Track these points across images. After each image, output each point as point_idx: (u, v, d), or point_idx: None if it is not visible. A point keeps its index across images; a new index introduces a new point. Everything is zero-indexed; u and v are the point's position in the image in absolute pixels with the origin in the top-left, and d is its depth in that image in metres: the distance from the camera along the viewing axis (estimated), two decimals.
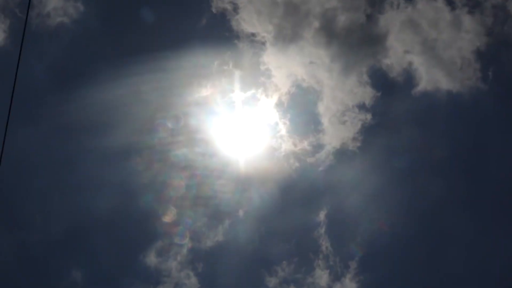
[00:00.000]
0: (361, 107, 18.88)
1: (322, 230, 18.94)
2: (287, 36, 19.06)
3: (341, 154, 18.90)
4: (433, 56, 18.50)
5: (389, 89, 18.81)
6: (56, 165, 19.37)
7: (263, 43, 19.27)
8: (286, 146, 19.64)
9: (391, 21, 18.62)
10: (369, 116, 18.44)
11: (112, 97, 18.51)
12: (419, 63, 18.80)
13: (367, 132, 18.54)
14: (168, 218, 18.78)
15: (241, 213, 19.23)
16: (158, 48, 19.36)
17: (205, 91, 19.54)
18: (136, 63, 18.88)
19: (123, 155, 19.20)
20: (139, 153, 18.77)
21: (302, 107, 19.45)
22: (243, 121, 19.85)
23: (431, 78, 18.54)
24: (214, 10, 19.79)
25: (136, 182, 19.05)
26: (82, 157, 19.06)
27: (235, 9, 19.66)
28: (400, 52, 18.63)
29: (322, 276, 18.84)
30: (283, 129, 19.71)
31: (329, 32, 18.93)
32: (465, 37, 18.40)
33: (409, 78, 18.59)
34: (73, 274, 18.05)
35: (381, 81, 18.77)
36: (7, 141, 7.94)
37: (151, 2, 20.71)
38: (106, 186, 19.09)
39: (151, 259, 18.57)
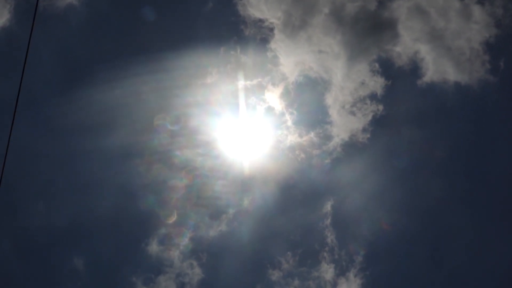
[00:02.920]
0: (370, 98, 18.58)
1: (328, 222, 18.61)
2: (296, 23, 18.60)
3: (349, 146, 18.56)
4: (442, 46, 18.29)
5: (398, 79, 18.53)
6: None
7: (271, 30, 18.79)
8: (292, 137, 19.21)
9: (401, 8, 18.32)
10: (379, 107, 18.14)
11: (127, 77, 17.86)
12: (427, 52, 18.56)
13: (377, 124, 18.24)
14: (180, 189, 18.25)
15: (245, 203, 18.76)
16: (163, 33, 18.76)
17: (210, 78, 18.99)
18: (142, 47, 18.27)
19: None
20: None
21: (309, 97, 19.03)
22: (248, 111, 19.35)
23: (439, 69, 18.33)
24: None
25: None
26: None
27: None
28: (410, 41, 18.36)
29: (328, 270, 18.51)
30: (289, 120, 19.27)
31: (338, 19, 18.55)
32: (474, 27, 18.22)
33: (419, 68, 18.35)
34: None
35: (390, 70, 18.49)
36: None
37: None
38: (108, 185, 18.58)
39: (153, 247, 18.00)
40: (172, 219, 18.76)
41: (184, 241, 18.49)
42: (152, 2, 19.91)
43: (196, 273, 18.32)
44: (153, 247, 18.27)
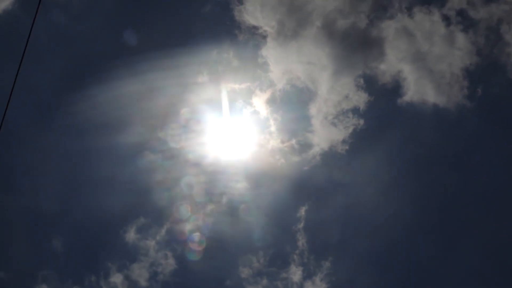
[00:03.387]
0: (353, 111, 19.34)
1: (300, 226, 19.36)
2: (288, 33, 19.38)
3: (328, 156, 19.32)
4: (425, 68, 19.10)
5: (380, 96, 19.32)
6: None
7: (264, 37, 19.54)
8: (274, 142, 19.96)
9: (388, 29, 19.13)
10: (361, 121, 18.91)
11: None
12: (409, 72, 19.37)
13: (357, 137, 19.03)
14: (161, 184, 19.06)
15: (223, 200, 19.48)
16: (159, 31, 19.44)
17: (201, 78, 19.71)
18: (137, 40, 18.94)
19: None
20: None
21: (294, 105, 19.79)
22: (235, 113, 20.08)
23: (420, 90, 19.14)
24: None
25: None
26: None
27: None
28: (395, 60, 19.16)
29: (296, 272, 19.26)
30: (273, 125, 20.02)
31: (329, 33, 19.33)
32: (456, 53, 19.05)
33: (401, 87, 19.16)
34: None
35: (374, 87, 19.28)
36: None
37: None
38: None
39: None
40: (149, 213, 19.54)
41: (161, 233, 19.23)
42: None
43: (169, 263, 19.05)
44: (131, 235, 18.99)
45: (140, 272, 18.97)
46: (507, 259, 17.57)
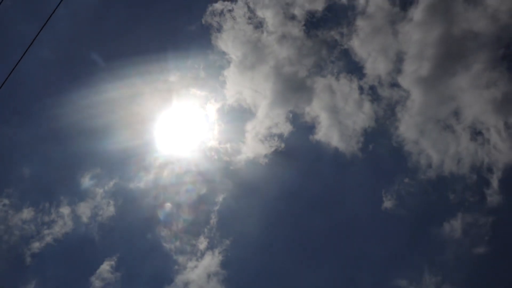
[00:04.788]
0: (278, 136, 25.66)
1: (216, 208, 25.35)
2: (248, 63, 25.57)
3: (251, 163, 25.46)
4: (336, 119, 25.64)
5: (300, 129, 25.72)
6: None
7: (229, 62, 25.63)
8: (214, 142, 26.00)
9: (322, 83, 25.64)
10: (282, 144, 25.23)
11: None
12: (325, 118, 25.84)
13: (277, 156, 25.30)
14: None
15: (164, 182, 25.26)
16: (146, 41, 25.17)
17: (173, 78, 25.54)
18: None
19: None
20: None
21: (236, 119, 25.94)
22: (189, 112, 26.06)
23: (329, 133, 25.63)
24: (203, 21, 25.86)
25: None
26: None
27: (219, 28, 25.87)
28: (317, 107, 25.65)
29: (203, 242, 25.18)
30: (216, 129, 26.08)
31: (277, 73, 25.63)
32: (361, 116, 25.70)
33: (315, 127, 25.59)
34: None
35: (297, 121, 25.68)
36: None
37: None
38: None
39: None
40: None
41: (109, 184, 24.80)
42: (148, 11, 26.23)
43: (110, 210, 24.57)
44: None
45: (84, 210, 24.37)
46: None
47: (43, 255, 24.31)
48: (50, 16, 8.39)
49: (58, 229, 24.27)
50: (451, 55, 23.77)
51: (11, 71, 8.20)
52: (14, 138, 24.34)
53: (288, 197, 24.76)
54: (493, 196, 22.86)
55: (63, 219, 24.27)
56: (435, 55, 23.83)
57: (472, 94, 23.35)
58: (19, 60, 8.15)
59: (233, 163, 25.81)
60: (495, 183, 22.82)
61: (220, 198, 25.36)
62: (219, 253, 25.06)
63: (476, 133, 23.33)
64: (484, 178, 22.88)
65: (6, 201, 23.89)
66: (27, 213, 24.32)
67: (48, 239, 24.15)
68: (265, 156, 25.64)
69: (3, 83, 8.08)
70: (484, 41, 23.16)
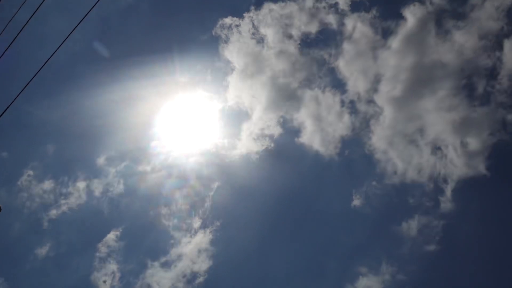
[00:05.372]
0: (269, 136, 29.84)
1: (211, 194, 29.48)
2: (249, 72, 29.79)
3: (244, 158, 29.62)
4: (319, 126, 29.84)
5: (288, 132, 29.91)
6: None
7: (232, 69, 29.83)
8: (213, 136, 30.22)
9: (310, 95, 29.86)
10: (272, 144, 29.43)
11: None
12: (310, 124, 30.04)
13: (266, 153, 29.50)
14: None
15: (166, 162, 29.43)
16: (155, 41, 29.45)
17: (182, 80, 29.73)
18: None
19: None
20: None
21: (234, 119, 30.15)
22: (196, 109, 30.28)
23: (311, 137, 29.80)
24: (213, 33, 30.03)
25: None
26: None
27: (227, 40, 30.03)
28: (304, 113, 29.87)
29: (197, 221, 29.30)
30: (216, 126, 30.28)
31: (273, 83, 29.84)
32: (339, 125, 29.90)
33: (301, 131, 29.78)
34: None
35: (287, 125, 29.89)
36: None
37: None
38: None
39: None
40: None
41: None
42: (168, 20, 30.40)
43: (119, 187, 28.74)
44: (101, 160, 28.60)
45: (97, 186, 28.48)
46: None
47: (59, 221, 28.49)
48: (88, 13, 8.89)
49: (74, 200, 28.45)
50: (420, 81, 28.08)
51: (46, 62, 9.15)
52: (43, 118, 28.51)
53: (273, 189, 28.95)
54: (446, 203, 27.10)
55: (79, 192, 28.46)
56: (407, 79, 28.14)
57: (436, 115, 27.67)
58: (53, 54, 9.12)
59: (229, 157, 30.04)
60: (448, 192, 27.06)
61: (215, 185, 29.56)
62: (210, 232, 29.21)
63: (436, 149, 27.62)
64: (440, 187, 27.12)
65: (30, 172, 28.05)
66: (47, 184, 28.49)
67: (64, 208, 28.31)
68: (257, 152, 29.84)
69: (38, 71, 9.31)
70: (449, 71, 27.47)
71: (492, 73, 26.38)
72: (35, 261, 28.20)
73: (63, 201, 28.25)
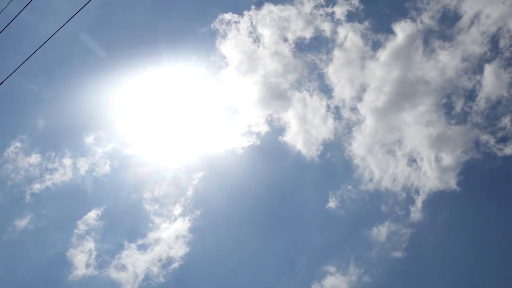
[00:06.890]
0: (256, 133, 30.94)
1: (194, 183, 30.37)
2: (242, 69, 30.84)
3: (230, 152, 30.64)
4: (304, 127, 31.04)
5: (274, 131, 31.03)
6: None
7: (227, 65, 30.84)
8: (202, 129, 31.19)
9: (298, 97, 31.07)
10: (258, 141, 30.54)
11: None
12: (295, 125, 31.23)
13: (253, 151, 30.61)
14: None
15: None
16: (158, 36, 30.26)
17: (178, 70, 30.60)
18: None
19: None
20: None
21: (224, 113, 31.20)
22: (187, 100, 31.19)
23: (295, 138, 30.98)
24: (212, 27, 30.95)
25: None
26: None
27: (224, 35, 30.97)
28: (291, 114, 31.04)
29: (178, 209, 30.17)
30: (206, 118, 31.25)
31: (264, 81, 30.94)
32: (323, 129, 31.17)
33: (285, 130, 30.92)
34: None
35: (274, 124, 31.02)
36: None
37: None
38: None
39: None
40: None
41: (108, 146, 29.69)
42: (168, 12, 31.21)
43: (105, 168, 29.43)
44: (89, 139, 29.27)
45: (83, 164, 29.14)
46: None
47: (41, 196, 29.10)
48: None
49: (58, 177, 29.07)
50: (403, 94, 29.49)
51: (44, 43, 9.69)
52: (37, 93, 29.04)
53: (254, 184, 30.04)
54: (415, 213, 28.56)
55: (64, 169, 29.09)
56: (391, 91, 29.52)
57: (414, 129, 29.11)
58: (55, 33, 9.57)
59: (215, 149, 31.04)
60: (419, 203, 28.53)
61: (199, 175, 30.52)
62: (189, 220, 30.15)
63: (412, 160, 29.05)
64: (411, 197, 28.56)
65: (18, 145, 28.58)
66: (34, 158, 29.05)
67: (48, 183, 28.92)
68: (242, 148, 30.89)
69: (37, 50, 9.97)
70: (431, 88, 28.93)
71: (471, 95, 27.92)
72: (13, 232, 28.80)
73: (48, 176, 28.87)
